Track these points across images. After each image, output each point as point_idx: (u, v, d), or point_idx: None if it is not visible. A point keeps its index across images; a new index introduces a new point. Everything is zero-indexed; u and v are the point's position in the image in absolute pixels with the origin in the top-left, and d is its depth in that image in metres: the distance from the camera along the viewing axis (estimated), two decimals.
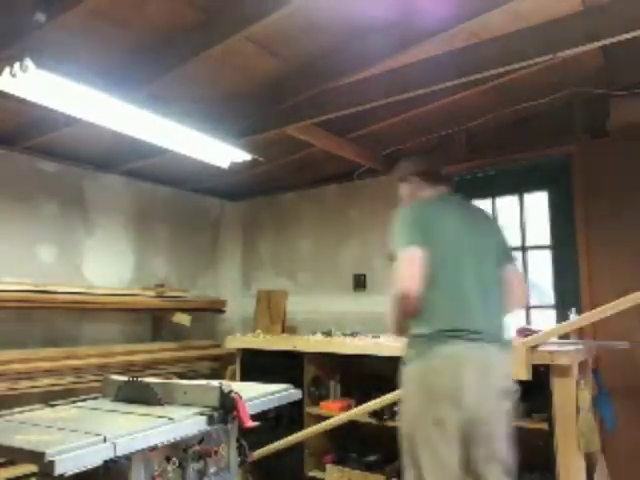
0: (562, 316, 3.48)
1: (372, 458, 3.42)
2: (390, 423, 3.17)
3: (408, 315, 1.87)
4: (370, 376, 3.50)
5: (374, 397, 3.35)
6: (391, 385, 3.39)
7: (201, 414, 1.71)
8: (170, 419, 1.62)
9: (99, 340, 3.95)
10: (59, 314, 3.73)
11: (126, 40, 2.46)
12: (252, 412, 1.83)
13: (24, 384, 3.15)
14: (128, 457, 1.48)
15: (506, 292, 2.01)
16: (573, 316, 3.23)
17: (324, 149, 3.75)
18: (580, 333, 3.24)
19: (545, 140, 3.65)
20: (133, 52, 2.56)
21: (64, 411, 1.83)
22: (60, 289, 3.52)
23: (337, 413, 3.40)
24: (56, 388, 3.24)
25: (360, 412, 3.09)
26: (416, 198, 2.31)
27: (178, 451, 1.67)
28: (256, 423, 1.78)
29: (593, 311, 2.72)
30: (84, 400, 2.03)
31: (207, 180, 4.56)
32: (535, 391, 2.73)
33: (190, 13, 2.29)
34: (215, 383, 1.86)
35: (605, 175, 3.45)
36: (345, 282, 4.46)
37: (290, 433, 3.30)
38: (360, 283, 4.38)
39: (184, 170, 4.35)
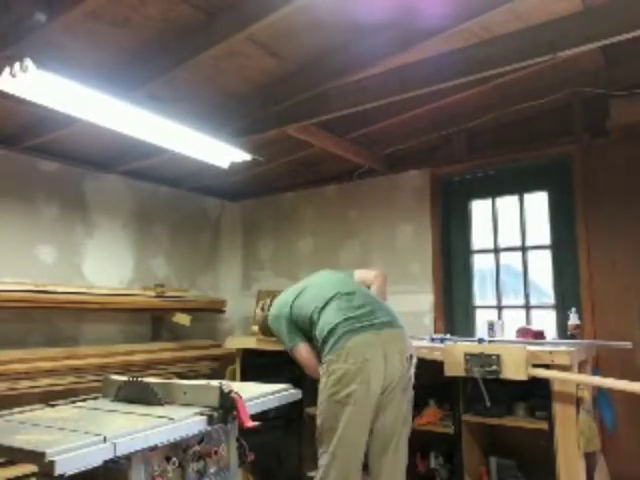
0: (562, 316, 3.48)
1: None
2: None
3: None
4: None
5: None
6: None
7: (201, 414, 1.71)
8: (170, 419, 1.62)
9: (99, 340, 3.95)
10: (59, 314, 3.72)
11: (126, 40, 2.46)
12: (252, 412, 1.83)
13: (24, 384, 3.14)
14: (128, 457, 1.48)
15: None
16: (573, 316, 3.24)
17: (324, 149, 3.75)
18: (580, 333, 3.24)
19: (545, 140, 3.66)
20: (133, 52, 2.56)
21: (64, 411, 1.83)
22: (60, 289, 3.52)
23: None
24: (56, 388, 3.24)
25: None
26: None
27: (178, 451, 1.67)
28: (256, 423, 1.78)
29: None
30: (84, 400, 2.03)
31: (207, 180, 4.56)
32: (535, 391, 2.73)
33: (190, 13, 2.29)
34: (215, 383, 1.86)
35: (605, 175, 3.45)
36: None
37: (290, 433, 3.30)
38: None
39: (184, 170, 4.35)
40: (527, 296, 3.81)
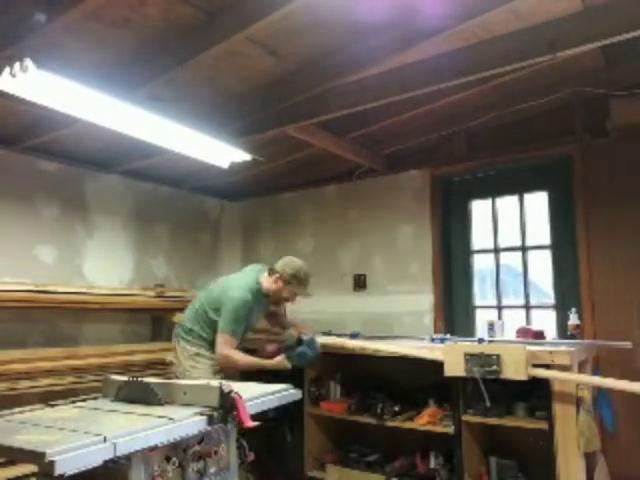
0: (562, 316, 3.48)
1: (372, 458, 3.42)
2: (390, 423, 3.18)
3: None
4: (370, 376, 3.50)
5: (374, 397, 3.36)
6: (391, 385, 3.41)
7: (201, 414, 1.71)
8: (170, 419, 1.62)
9: (99, 340, 3.95)
10: (59, 314, 3.72)
11: (126, 40, 2.46)
12: (252, 412, 1.83)
13: (24, 384, 3.14)
14: (128, 457, 1.48)
15: None
16: (573, 316, 3.24)
17: (324, 149, 3.75)
18: (580, 333, 3.24)
19: (545, 140, 3.65)
20: (133, 52, 2.56)
21: (64, 411, 1.83)
22: (60, 289, 3.52)
23: (337, 413, 3.41)
24: (56, 388, 3.24)
25: None
26: None
27: (178, 451, 1.67)
28: (256, 423, 1.78)
29: None
30: (84, 400, 2.03)
31: (207, 180, 4.56)
32: (535, 391, 2.73)
33: (190, 13, 2.29)
34: (215, 383, 1.86)
35: (605, 175, 3.45)
36: (345, 282, 4.46)
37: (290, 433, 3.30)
38: (360, 283, 4.38)
39: (184, 170, 4.35)
40: (527, 296, 3.81)
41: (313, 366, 3.48)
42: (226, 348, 2.96)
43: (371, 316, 4.24)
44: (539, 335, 3.17)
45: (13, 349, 3.29)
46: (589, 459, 2.69)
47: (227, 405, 1.75)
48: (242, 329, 3.04)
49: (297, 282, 3.11)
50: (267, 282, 3.12)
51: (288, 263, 3.12)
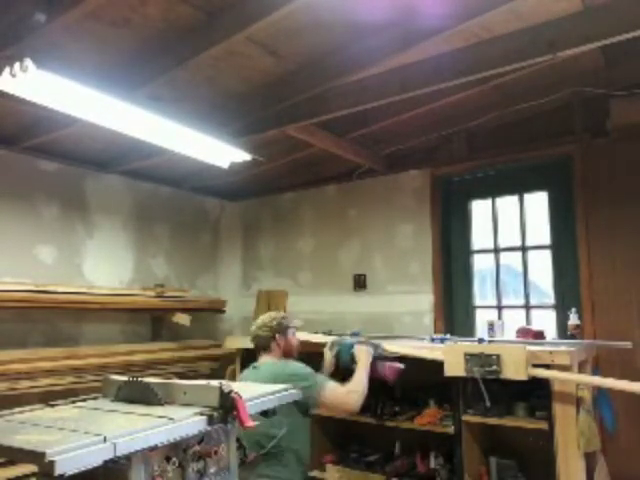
0: (562, 316, 3.48)
1: (372, 458, 3.42)
2: (390, 423, 3.17)
3: None
4: (370, 376, 3.49)
5: (374, 397, 3.35)
6: (391, 386, 3.40)
7: (201, 414, 1.70)
8: (170, 419, 1.61)
9: (99, 340, 3.95)
10: (59, 314, 3.72)
11: (126, 40, 2.46)
12: (252, 412, 1.83)
13: (24, 384, 3.14)
14: (128, 457, 1.48)
15: None
16: (573, 316, 3.24)
17: (324, 149, 3.75)
18: (580, 333, 3.24)
19: (545, 140, 3.66)
20: (133, 52, 2.56)
21: (64, 411, 1.83)
22: (60, 289, 3.52)
23: (338, 413, 3.40)
24: (56, 388, 3.24)
25: None
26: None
27: (178, 451, 1.66)
28: (256, 423, 1.78)
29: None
30: (84, 400, 2.02)
31: (207, 180, 4.56)
32: (535, 391, 2.73)
33: (190, 13, 2.29)
34: (215, 383, 1.86)
35: (605, 175, 3.45)
36: (345, 282, 4.46)
37: None
38: (360, 283, 4.38)
39: (184, 170, 4.35)
40: (527, 296, 3.81)
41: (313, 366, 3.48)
42: (339, 391, 2.59)
43: (371, 316, 4.24)
44: (539, 335, 3.17)
45: (13, 349, 3.30)
46: (589, 459, 2.68)
47: (227, 405, 1.75)
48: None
49: (286, 322, 2.79)
50: (277, 352, 2.72)
51: (265, 322, 2.74)
